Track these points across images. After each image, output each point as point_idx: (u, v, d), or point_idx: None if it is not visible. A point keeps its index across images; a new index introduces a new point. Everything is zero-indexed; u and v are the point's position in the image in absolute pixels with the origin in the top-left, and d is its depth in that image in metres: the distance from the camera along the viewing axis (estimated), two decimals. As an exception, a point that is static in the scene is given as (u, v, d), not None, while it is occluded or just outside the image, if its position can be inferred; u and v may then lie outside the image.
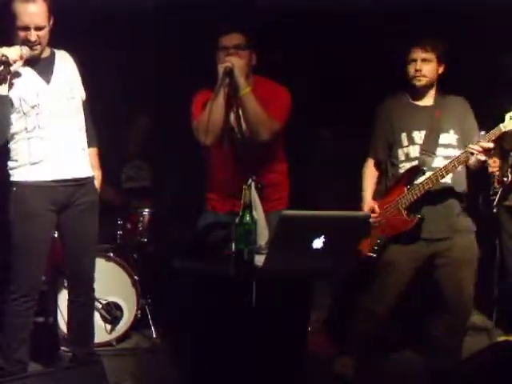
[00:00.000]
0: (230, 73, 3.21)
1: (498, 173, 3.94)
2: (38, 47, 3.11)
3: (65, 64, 3.27)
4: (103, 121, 3.58)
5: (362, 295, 3.68)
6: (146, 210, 4.47)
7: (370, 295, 3.60)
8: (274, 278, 2.61)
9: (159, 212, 4.53)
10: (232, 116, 3.38)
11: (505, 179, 3.91)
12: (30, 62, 3.11)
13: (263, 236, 2.78)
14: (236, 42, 3.33)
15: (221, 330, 2.73)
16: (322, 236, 2.54)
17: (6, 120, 3.08)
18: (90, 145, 3.37)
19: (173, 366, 3.63)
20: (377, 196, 3.58)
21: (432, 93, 3.47)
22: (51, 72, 3.19)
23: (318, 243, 2.55)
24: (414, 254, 3.43)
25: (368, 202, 3.54)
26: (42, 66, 3.17)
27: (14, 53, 2.96)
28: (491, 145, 3.17)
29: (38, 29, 3.05)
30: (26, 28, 3.04)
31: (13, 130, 3.14)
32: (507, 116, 3.19)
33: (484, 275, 4.35)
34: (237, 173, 3.32)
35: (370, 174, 3.63)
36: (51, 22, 3.11)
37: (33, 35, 3.05)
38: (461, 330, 3.59)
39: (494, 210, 3.97)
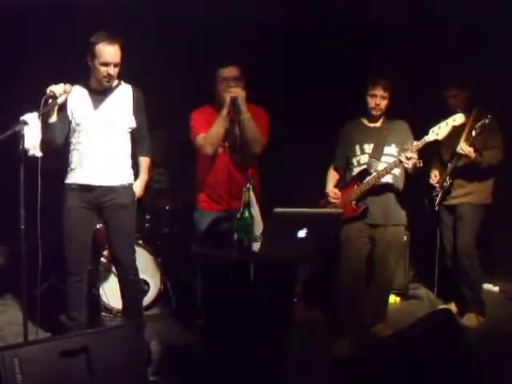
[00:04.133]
0: (234, 101, 3.30)
1: (437, 183, 4.02)
2: (112, 80, 3.20)
3: (120, 96, 3.29)
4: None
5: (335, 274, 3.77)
6: (168, 206, 4.52)
7: (339, 270, 3.71)
8: (267, 260, 2.64)
9: (177, 208, 4.55)
10: (231, 133, 3.43)
11: (444, 184, 3.96)
12: (96, 91, 3.22)
13: (259, 228, 2.81)
14: (234, 74, 3.43)
15: (226, 301, 2.77)
16: (305, 228, 2.57)
17: (54, 139, 3.17)
18: (142, 154, 3.44)
19: (188, 328, 3.65)
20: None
21: (382, 118, 3.73)
22: (103, 101, 3.25)
23: (301, 233, 2.59)
24: (361, 232, 3.67)
25: (330, 188, 3.80)
26: (99, 95, 3.25)
27: (59, 89, 3.03)
28: (412, 154, 3.40)
29: (116, 65, 3.15)
30: (107, 64, 3.12)
31: (69, 141, 3.26)
32: (430, 130, 3.45)
33: (428, 258, 4.41)
34: (231, 178, 3.42)
35: (330, 176, 3.90)
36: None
37: (112, 70, 3.13)
38: (385, 294, 3.84)
39: (436, 208, 4.03)
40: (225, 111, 3.31)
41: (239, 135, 3.41)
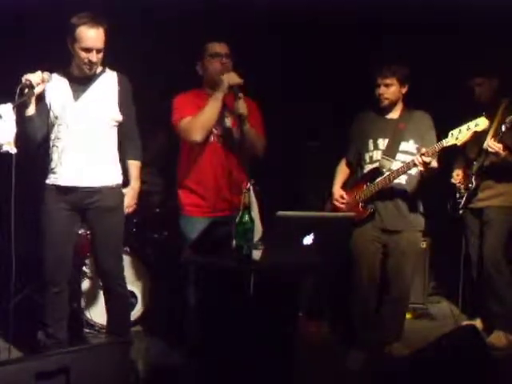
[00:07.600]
0: (231, 87, 3.23)
1: (460, 183, 4.01)
2: (95, 67, 3.16)
3: (105, 85, 3.24)
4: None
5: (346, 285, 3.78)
6: (158, 209, 4.52)
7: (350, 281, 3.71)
8: (269, 269, 2.63)
9: (169, 212, 4.54)
10: (222, 119, 3.37)
11: (470, 185, 3.96)
12: (77, 79, 3.19)
13: (257, 233, 2.81)
14: (227, 51, 3.38)
15: (221, 316, 2.77)
16: (312, 234, 2.57)
17: (33, 134, 3.16)
18: (131, 158, 3.38)
19: (180, 347, 3.63)
20: (345, 188, 3.81)
21: (398, 108, 3.67)
22: (85, 90, 3.19)
23: (307, 240, 2.59)
24: (373, 237, 3.64)
25: (337, 189, 3.78)
26: (81, 83, 3.20)
27: (36, 77, 3.00)
28: (428, 159, 3.36)
29: (98, 51, 3.11)
30: (89, 50, 3.08)
31: (48, 137, 3.22)
32: (450, 133, 3.41)
33: (451, 268, 4.40)
34: (226, 171, 3.37)
35: (341, 170, 3.87)
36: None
37: (94, 57, 3.09)
38: (401, 309, 3.78)
39: (460, 212, 4.03)
40: (221, 94, 3.22)
41: (239, 138, 3.30)
